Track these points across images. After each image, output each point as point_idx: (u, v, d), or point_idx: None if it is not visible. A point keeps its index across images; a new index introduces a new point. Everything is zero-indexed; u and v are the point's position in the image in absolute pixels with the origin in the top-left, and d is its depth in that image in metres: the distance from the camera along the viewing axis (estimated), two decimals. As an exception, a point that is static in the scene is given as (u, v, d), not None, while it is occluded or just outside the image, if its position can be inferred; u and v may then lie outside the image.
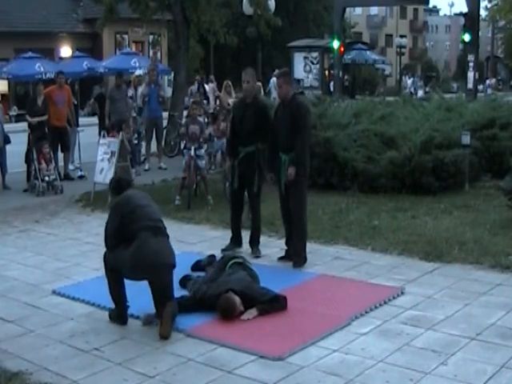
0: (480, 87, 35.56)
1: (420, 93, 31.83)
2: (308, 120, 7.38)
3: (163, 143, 15.21)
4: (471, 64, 20.45)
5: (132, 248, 5.39)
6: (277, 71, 28.77)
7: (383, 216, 9.15)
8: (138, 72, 17.88)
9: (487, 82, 39.69)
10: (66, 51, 33.04)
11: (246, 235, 7.77)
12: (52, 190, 11.72)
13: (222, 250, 7.51)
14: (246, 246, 7.70)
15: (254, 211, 7.70)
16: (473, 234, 8.03)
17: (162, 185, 12.16)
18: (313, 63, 31.57)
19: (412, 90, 34.89)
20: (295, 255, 7.22)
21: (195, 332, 5.37)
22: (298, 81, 30.55)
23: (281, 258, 7.42)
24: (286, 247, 7.48)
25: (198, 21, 18.08)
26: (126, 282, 6.58)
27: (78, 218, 9.86)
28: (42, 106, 12.40)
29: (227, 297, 5.61)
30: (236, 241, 7.74)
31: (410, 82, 36.87)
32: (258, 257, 7.44)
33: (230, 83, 16.08)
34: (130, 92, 14.63)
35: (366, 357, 4.88)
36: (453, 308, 5.82)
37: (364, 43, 41.29)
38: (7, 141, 12.33)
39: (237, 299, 5.63)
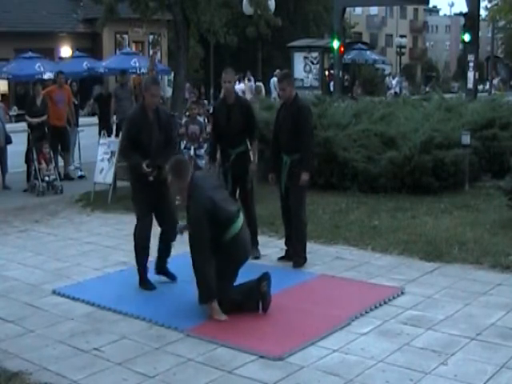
0: (481, 87, 35.46)
1: (404, 93, 31.41)
2: (311, 122, 7.38)
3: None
4: (471, 64, 20.42)
5: None
6: (278, 71, 28.82)
7: (383, 216, 9.15)
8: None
9: (493, 82, 39.47)
10: (65, 51, 33.08)
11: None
12: (52, 189, 11.72)
13: None
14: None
15: (249, 211, 7.57)
16: (473, 234, 8.02)
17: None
18: (313, 63, 31.53)
19: (397, 90, 34.42)
20: (295, 255, 7.22)
21: (195, 332, 5.37)
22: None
23: (281, 258, 7.42)
24: (285, 247, 7.48)
25: (198, 21, 18.09)
26: (130, 282, 6.62)
27: (78, 217, 9.85)
28: (41, 106, 12.39)
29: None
30: None
31: (394, 82, 36.33)
32: (257, 257, 7.41)
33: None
34: None
35: (366, 357, 4.87)
36: (453, 308, 5.81)
37: (364, 43, 41.23)
38: (9, 141, 12.34)
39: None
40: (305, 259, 7.22)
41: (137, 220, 6.52)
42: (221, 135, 7.54)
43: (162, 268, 6.62)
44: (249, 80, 22.81)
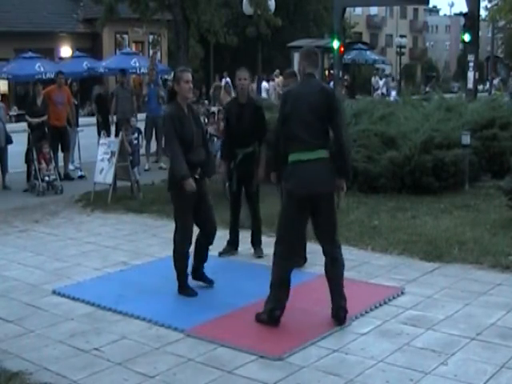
0: (481, 87, 35.34)
1: (393, 94, 30.62)
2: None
3: (163, 143, 15.20)
4: (471, 64, 20.39)
5: None
6: (277, 71, 28.81)
7: (383, 216, 9.15)
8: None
9: (493, 81, 39.34)
10: (65, 51, 33.08)
11: (247, 236, 7.75)
12: (52, 189, 11.72)
13: (220, 254, 7.51)
14: (247, 245, 7.69)
15: (254, 212, 7.68)
16: (473, 233, 8.02)
17: (162, 185, 12.11)
18: (313, 63, 31.48)
19: (384, 90, 33.86)
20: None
21: (195, 332, 5.37)
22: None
23: (281, 258, 7.40)
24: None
25: (198, 21, 18.10)
26: (130, 282, 6.61)
27: (78, 217, 9.85)
28: (42, 106, 12.40)
29: None
30: (233, 243, 7.71)
31: (381, 82, 35.62)
32: (260, 257, 7.44)
33: (229, 83, 16.09)
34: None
35: (366, 357, 4.87)
36: (453, 308, 5.81)
37: (364, 43, 41.24)
38: (9, 141, 12.33)
39: None
40: (305, 259, 7.22)
41: (179, 225, 6.23)
42: (230, 134, 7.48)
43: (199, 273, 6.50)
44: (277, 76, 22.71)
